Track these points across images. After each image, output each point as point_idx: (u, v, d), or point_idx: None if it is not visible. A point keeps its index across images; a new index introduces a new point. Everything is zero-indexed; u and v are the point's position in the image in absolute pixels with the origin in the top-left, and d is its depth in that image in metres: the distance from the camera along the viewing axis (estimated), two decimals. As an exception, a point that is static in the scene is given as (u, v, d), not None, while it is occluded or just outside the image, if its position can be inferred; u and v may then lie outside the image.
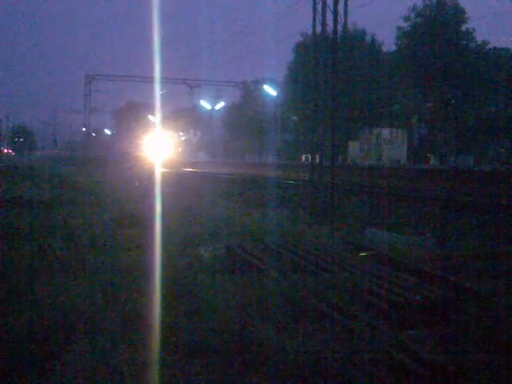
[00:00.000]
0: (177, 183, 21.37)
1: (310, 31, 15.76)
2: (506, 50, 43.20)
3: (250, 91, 62.98)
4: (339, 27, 14.85)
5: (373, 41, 49.32)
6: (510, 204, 14.39)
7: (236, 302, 5.02)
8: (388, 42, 57.25)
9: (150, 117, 57.64)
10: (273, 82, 56.09)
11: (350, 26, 17.26)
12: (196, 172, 37.76)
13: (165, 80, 54.68)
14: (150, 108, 61.30)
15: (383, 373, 3.68)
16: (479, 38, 42.80)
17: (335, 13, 14.65)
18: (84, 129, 60.30)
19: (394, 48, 45.52)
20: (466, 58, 40.82)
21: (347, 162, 41.81)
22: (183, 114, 66.66)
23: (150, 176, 20.07)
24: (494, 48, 43.19)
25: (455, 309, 4.98)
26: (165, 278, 5.59)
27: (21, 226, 8.99)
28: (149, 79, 53.76)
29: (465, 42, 42.58)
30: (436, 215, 12.31)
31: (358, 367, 3.75)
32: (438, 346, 4.16)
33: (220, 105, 46.94)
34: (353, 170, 32.57)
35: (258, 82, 61.98)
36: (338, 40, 14.99)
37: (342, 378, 3.65)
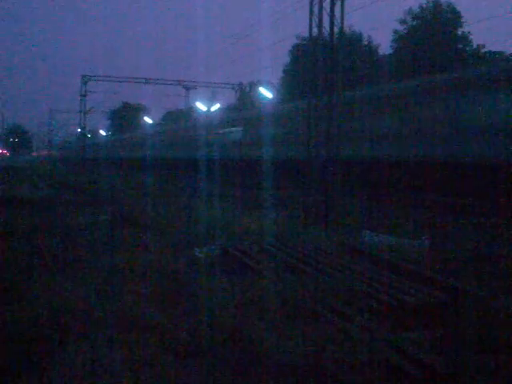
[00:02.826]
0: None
1: (306, 34, 15.78)
2: (501, 53, 43.31)
3: (245, 93, 62.90)
4: (335, 30, 14.88)
5: (369, 43, 49.33)
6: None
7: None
8: (383, 45, 57.40)
9: (146, 118, 57.39)
10: (269, 85, 55.98)
11: (345, 28, 17.25)
12: None
13: (160, 81, 54.41)
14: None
15: (379, 374, 3.68)
16: (474, 41, 42.95)
17: (332, 15, 14.68)
18: (79, 129, 59.86)
19: (390, 51, 45.56)
20: (464, 60, 40.87)
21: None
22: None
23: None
24: (490, 52, 43.29)
25: (451, 311, 4.99)
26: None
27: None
28: (144, 80, 53.39)
29: (461, 46, 42.65)
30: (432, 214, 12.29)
31: (354, 368, 3.75)
32: (434, 348, 4.16)
33: (215, 107, 46.75)
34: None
35: (254, 84, 61.88)
36: (335, 42, 15.02)
37: (338, 378, 3.64)
